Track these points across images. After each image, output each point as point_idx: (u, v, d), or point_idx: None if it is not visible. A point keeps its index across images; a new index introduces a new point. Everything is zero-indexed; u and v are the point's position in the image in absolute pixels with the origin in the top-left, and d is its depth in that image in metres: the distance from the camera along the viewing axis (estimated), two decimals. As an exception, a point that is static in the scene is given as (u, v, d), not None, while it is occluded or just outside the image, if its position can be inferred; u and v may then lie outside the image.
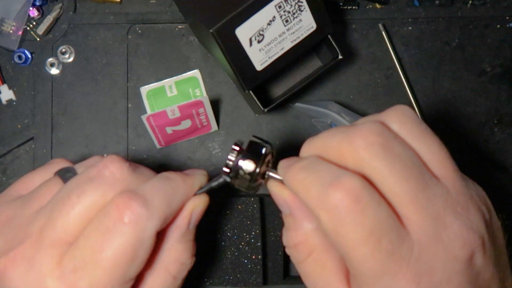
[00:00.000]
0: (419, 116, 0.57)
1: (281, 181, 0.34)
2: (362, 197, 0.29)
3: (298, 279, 0.54)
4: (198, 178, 0.36)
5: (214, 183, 0.36)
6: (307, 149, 0.34)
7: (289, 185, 0.33)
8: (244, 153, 0.34)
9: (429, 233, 0.29)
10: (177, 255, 0.35)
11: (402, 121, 0.31)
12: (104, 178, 0.32)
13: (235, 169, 0.34)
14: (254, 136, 0.35)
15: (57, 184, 0.34)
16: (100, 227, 0.31)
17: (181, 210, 0.35)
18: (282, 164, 0.34)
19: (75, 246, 0.31)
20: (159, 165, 0.55)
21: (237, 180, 0.34)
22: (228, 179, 0.35)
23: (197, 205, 0.35)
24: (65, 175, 0.35)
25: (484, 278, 0.30)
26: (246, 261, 0.52)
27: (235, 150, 0.34)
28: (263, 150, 0.34)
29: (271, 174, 0.35)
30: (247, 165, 0.34)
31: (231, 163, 0.34)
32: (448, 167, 0.31)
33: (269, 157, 0.35)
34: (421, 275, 0.29)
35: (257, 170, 0.34)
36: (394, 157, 0.30)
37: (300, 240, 0.33)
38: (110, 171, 0.32)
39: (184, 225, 0.35)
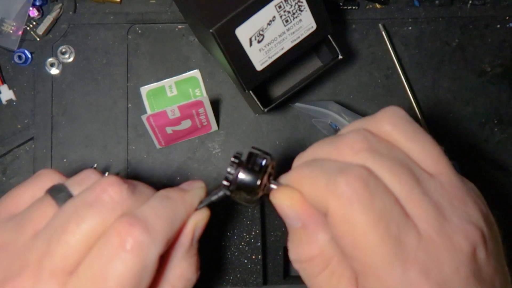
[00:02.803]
0: (419, 115, 0.57)
1: (292, 190, 0.34)
2: (370, 183, 0.29)
3: (298, 279, 0.54)
4: (197, 192, 0.35)
5: (214, 197, 0.35)
6: (298, 163, 0.34)
7: (293, 182, 0.33)
8: (244, 166, 0.33)
9: (434, 225, 0.29)
10: (182, 272, 0.35)
11: (394, 122, 0.32)
12: (103, 203, 0.31)
13: (236, 182, 0.33)
14: (253, 147, 0.34)
15: (50, 206, 0.32)
16: (101, 255, 0.30)
17: (183, 227, 0.34)
18: (284, 175, 0.34)
19: (76, 276, 0.30)
20: (159, 165, 0.56)
21: (237, 194, 0.34)
22: (228, 193, 0.34)
23: (199, 221, 0.35)
24: (57, 195, 0.33)
25: (487, 273, 0.30)
26: (246, 261, 0.52)
27: (234, 162, 0.33)
28: (264, 162, 0.33)
29: (272, 186, 0.34)
30: (248, 178, 0.33)
31: (231, 176, 0.33)
32: (442, 164, 0.31)
33: (269, 169, 0.34)
34: (429, 267, 0.29)
35: (258, 182, 0.33)
36: (382, 158, 0.30)
37: (315, 253, 0.33)
38: (109, 195, 0.31)
39: (188, 242, 0.34)
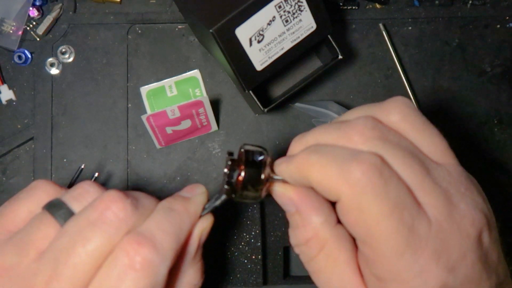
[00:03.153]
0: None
1: (283, 181, 0.34)
2: (384, 171, 0.29)
3: (298, 279, 0.54)
4: (199, 200, 0.35)
5: (217, 202, 0.35)
6: (297, 146, 0.34)
7: (299, 169, 0.32)
8: (244, 165, 0.32)
9: (443, 212, 0.29)
10: (189, 279, 0.35)
11: (404, 113, 0.32)
12: (107, 222, 0.30)
13: (239, 183, 0.32)
14: (246, 143, 0.34)
15: (51, 225, 0.31)
16: (110, 275, 0.29)
17: (189, 236, 0.34)
18: (278, 161, 0.34)
19: None
20: (159, 165, 0.56)
21: (242, 194, 0.33)
22: (233, 195, 0.33)
23: (204, 228, 0.35)
24: (57, 212, 0.32)
25: (492, 260, 0.31)
26: (246, 261, 0.52)
27: (233, 163, 0.33)
28: (262, 157, 0.33)
29: (275, 177, 0.33)
30: (251, 177, 0.32)
31: (233, 179, 0.33)
32: (449, 154, 0.32)
33: (268, 162, 0.33)
34: (439, 252, 0.29)
35: (262, 177, 0.32)
36: (393, 147, 0.30)
37: (310, 235, 0.33)
38: (113, 213, 0.30)
39: (194, 250, 0.34)
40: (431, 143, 0.32)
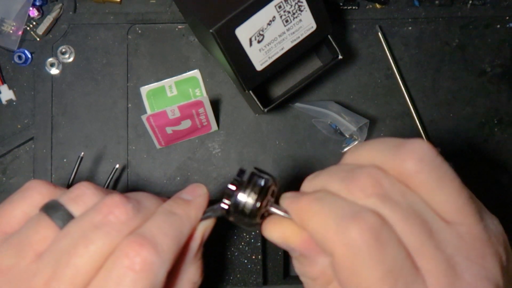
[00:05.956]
0: (415, 116, 0.57)
1: (283, 220, 0.33)
2: (382, 234, 0.28)
3: (298, 279, 0.54)
4: (201, 203, 0.35)
5: (217, 212, 0.34)
6: (308, 186, 0.33)
7: (298, 216, 0.31)
8: (244, 187, 0.32)
9: (442, 282, 0.28)
10: (190, 276, 0.35)
11: (420, 162, 0.29)
12: (110, 225, 0.30)
13: (234, 204, 0.32)
14: (255, 168, 0.33)
15: (49, 227, 0.31)
16: (110, 276, 0.29)
17: (191, 235, 0.34)
18: (287, 195, 0.33)
19: None
20: (159, 165, 0.56)
21: (236, 216, 0.32)
22: (226, 207, 0.32)
23: (207, 227, 0.35)
24: (54, 214, 0.32)
25: None
26: (246, 261, 0.52)
27: (236, 181, 0.32)
28: (265, 184, 0.32)
29: (273, 209, 0.32)
30: (247, 200, 0.32)
31: (231, 198, 0.32)
32: (465, 213, 0.29)
33: (270, 192, 0.32)
34: None
35: (258, 205, 0.32)
36: (394, 206, 0.29)
37: (317, 275, 0.32)
38: (115, 216, 0.31)
39: (196, 248, 0.35)
40: (445, 199, 0.29)
